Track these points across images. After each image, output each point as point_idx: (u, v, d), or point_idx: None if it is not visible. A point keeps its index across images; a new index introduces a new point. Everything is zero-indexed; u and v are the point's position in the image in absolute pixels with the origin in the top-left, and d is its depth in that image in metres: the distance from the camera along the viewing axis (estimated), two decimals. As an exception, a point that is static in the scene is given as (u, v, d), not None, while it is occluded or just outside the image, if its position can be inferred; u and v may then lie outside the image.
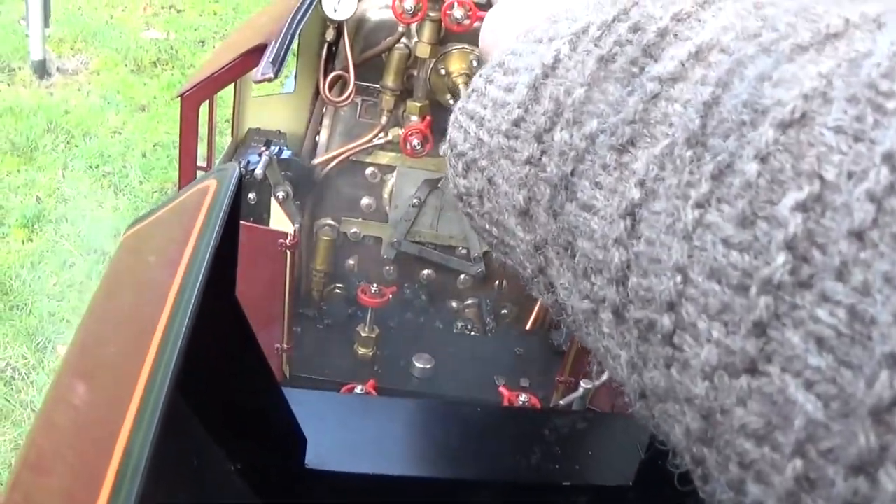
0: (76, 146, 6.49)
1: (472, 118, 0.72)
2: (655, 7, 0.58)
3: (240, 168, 1.25)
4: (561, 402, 2.52)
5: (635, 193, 0.51)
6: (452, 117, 0.77)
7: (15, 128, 6.58)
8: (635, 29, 0.58)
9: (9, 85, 7.32)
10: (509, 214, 0.66)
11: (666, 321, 0.47)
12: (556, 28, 0.66)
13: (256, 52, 2.32)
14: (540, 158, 0.61)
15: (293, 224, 2.46)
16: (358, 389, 2.53)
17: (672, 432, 0.51)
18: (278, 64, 2.18)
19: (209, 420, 1.29)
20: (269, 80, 2.17)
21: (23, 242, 5.37)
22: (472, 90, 0.75)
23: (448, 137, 0.77)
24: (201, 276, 0.97)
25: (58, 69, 7.63)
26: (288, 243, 2.39)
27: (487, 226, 0.73)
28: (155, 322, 0.90)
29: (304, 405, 1.52)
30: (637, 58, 0.56)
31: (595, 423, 1.91)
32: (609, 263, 0.52)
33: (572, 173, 0.57)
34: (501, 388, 2.60)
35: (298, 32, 2.38)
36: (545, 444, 1.72)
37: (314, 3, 2.48)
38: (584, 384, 2.44)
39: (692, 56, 0.52)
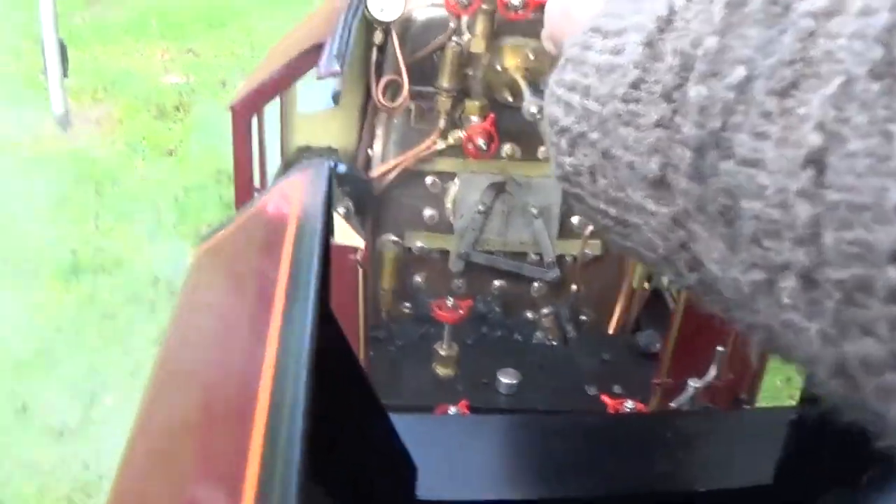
0: (106, 195, 6.41)
1: (572, 89, 0.68)
2: None
3: (331, 168, 1.12)
4: (671, 404, 2.35)
5: (815, 139, 0.46)
6: (547, 92, 0.74)
7: (42, 179, 6.49)
8: None
9: (33, 140, 7.24)
10: (635, 188, 0.61)
11: (892, 274, 0.42)
12: None
13: (310, 54, 2.19)
14: (672, 119, 0.56)
15: (362, 238, 2.31)
16: (451, 411, 2.37)
17: (892, 410, 0.45)
18: (342, 57, 2.05)
19: (314, 453, 1.14)
20: (335, 76, 2.04)
21: (59, 294, 5.26)
22: (567, 60, 0.71)
23: (547, 114, 0.74)
24: (312, 288, 0.85)
25: (81, 119, 7.55)
26: (359, 258, 2.24)
27: (602, 205, 0.68)
28: (262, 343, 0.79)
29: (408, 430, 1.38)
30: None
31: (719, 421, 1.80)
32: (793, 221, 0.47)
33: (723, 128, 0.52)
34: (603, 397, 2.44)
35: (356, 27, 2.24)
36: (669, 448, 1.58)
37: None
38: (692, 383, 2.28)
39: None
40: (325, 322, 1.06)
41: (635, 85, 0.60)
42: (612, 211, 0.66)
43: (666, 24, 0.59)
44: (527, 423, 1.75)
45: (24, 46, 9.13)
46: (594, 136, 0.65)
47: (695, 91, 0.54)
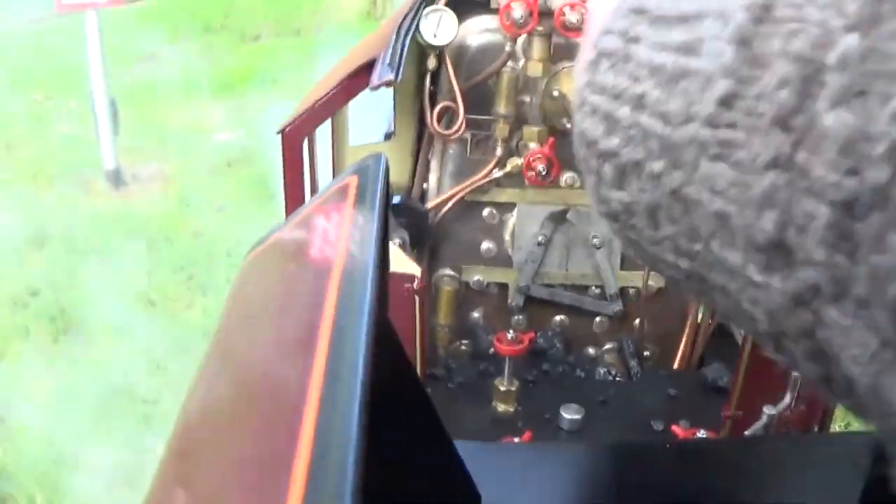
0: (158, 251, 6.41)
1: (615, 97, 0.49)
2: None
3: (386, 160, 1.05)
4: (746, 433, 2.25)
5: None
6: (576, 99, 0.54)
7: (95, 237, 6.52)
8: None
9: (85, 196, 7.28)
10: (726, 246, 0.44)
11: None
12: None
13: (363, 72, 2.13)
14: (792, 156, 0.39)
15: (418, 266, 2.23)
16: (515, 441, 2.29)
17: None
18: (396, 66, 1.98)
19: (371, 476, 1.05)
20: (389, 85, 1.97)
21: (113, 349, 5.24)
22: (599, 55, 0.52)
23: (576, 130, 0.55)
24: (368, 295, 0.77)
25: (132, 177, 7.59)
26: (415, 287, 2.15)
27: (669, 256, 0.49)
28: (311, 356, 0.70)
29: (472, 458, 1.31)
30: None
31: (799, 445, 1.72)
32: None
33: (893, 180, 0.35)
34: (674, 427, 2.33)
35: (409, 39, 2.18)
36: (746, 475, 1.51)
37: (420, 11, 2.29)
38: (767, 410, 2.18)
39: None
40: (384, 337, 1.00)
41: (727, 102, 0.43)
42: (684, 263, 0.49)
43: (764, 11, 0.42)
44: (595, 450, 1.67)
45: (74, 106, 9.22)
46: (657, 166, 0.47)
47: (832, 117, 0.38)
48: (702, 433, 2.29)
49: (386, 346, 1.03)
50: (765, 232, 0.41)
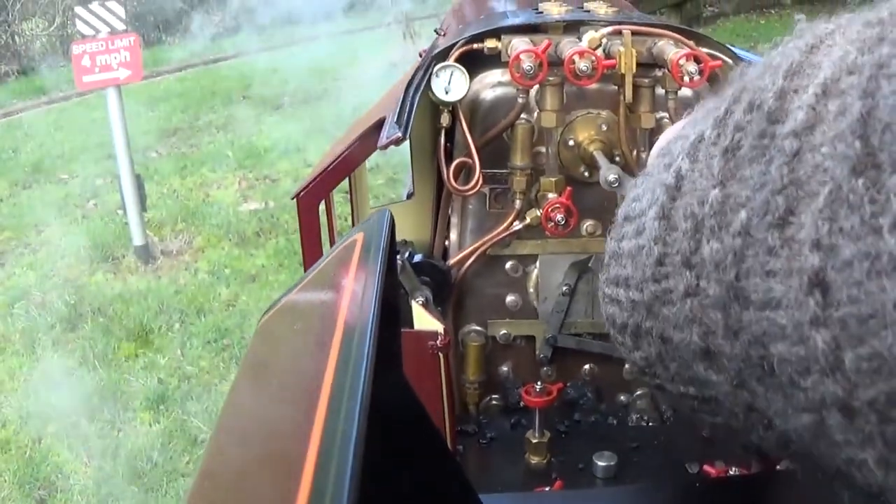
0: (191, 324, 6.46)
1: (617, 284, 0.68)
2: (764, 79, 0.54)
3: (390, 215, 1.05)
4: (777, 467, 2.21)
5: (814, 259, 0.45)
6: (600, 295, 0.74)
7: (127, 313, 6.55)
8: (750, 108, 0.54)
9: (115, 274, 7.33)
10: (696, 363, 0.59)
11: None
12: (669, 153, 0.63)
13: (373, 133, 2.13)
14: (697, 285, 0.55)
15: (441, 323, 2.22)
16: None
17: None
18: (404, 125, 1.98)
19: None
20: (398, 143, 1.97)
21: (150, 425, 5.26)
22: (609, 257, 0.71)
23: (605, 317, 0.73)
24: (365, 355, 0.77)
25: (161, 252, 7.64)
26: (439, 344, 2.14)
27: (682, 388, 0.65)
28: (309, 422, 0.70)
29: None
30: (764, 129, 0.52)
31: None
32: (815, 352, 0.46)
33: (737, 278, 0.51)
34: (706, 467, 2.30)
35: (418, 97, 2.18)
36: None
37: (429, 72, 2.29)
38: (796, 447, 2.14)
39: (820, 95, 0.48)
40: (400, 396, 1.00)
41: (660, 261, 0.59)
42: (692, 391, 0.64)
43: (676, 191, 0.58)
44: (624, 494, 1.65)
45: (100, 184, 9.30)
46: (648, 324, 0.63)
47: (707, 249, 0.53)
48: (734, 471, 2.26)
49: (402, 405, 1.03)
50: (697, 343, 0.56)
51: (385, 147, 2.03)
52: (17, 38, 18.82)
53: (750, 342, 0.51)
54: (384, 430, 0.87)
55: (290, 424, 0.77)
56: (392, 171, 8.75)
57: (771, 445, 0.59)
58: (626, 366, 2.67)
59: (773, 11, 17.15)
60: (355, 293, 0.89)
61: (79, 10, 7.16)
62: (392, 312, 0.98)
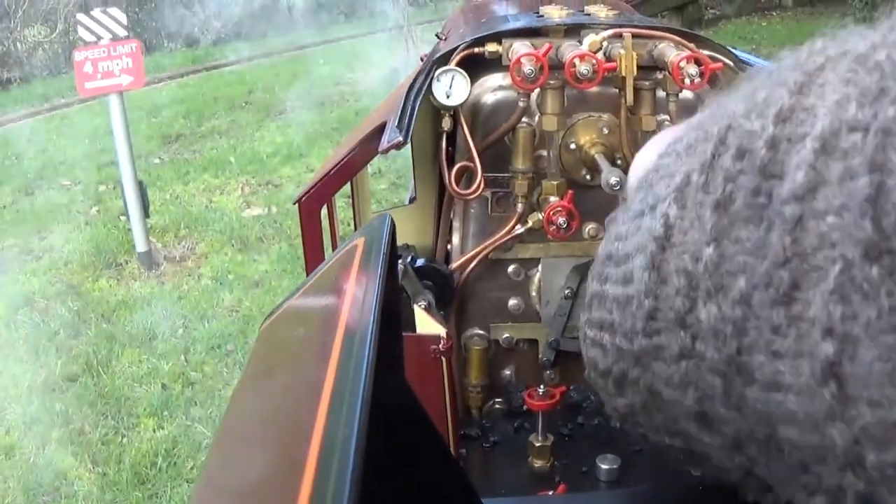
0: (195, 330, 6.45)
1: (601, 328, 0.63)
2: (750, 121, 0.50)
3: (391, 220, 1.05)
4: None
5: (827, 349, 0.42)
6: (581, 335, 0.69)
7: (130, 320, 6.55)
8: (740, 155, 0.50)
9: (118, 280, 7.33)
10: (687, 422, 0.56)
11: None
12: (654, 192, 0.58)
13: (373, 138, 2.13)
14: (693, 347, 0.52)
15: (443, 327, 2.22)
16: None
17: None
18: (405, 129, 1.98)
19: None
20: (398, 147, 1.97)
21: (154, 430, 5.26)
22: (591, 297, 0.66)
23: (585, 359, 0.68)
24: (366, 359, 0.76)
25: (164, 258, 7.64)
26: (441, 348, 2.14)
27: (668, 439, 0.62)
28: (310, 426, 0.70)
29: None
30: (758, 185, 0.48)
31: None
32: (832, 448, 0.43)
33: (738, 352, 0.48)
34: (709, 472, 2.29)
35: (419, 101, 2.18)
36: None
37: (430, 76, 2.29)
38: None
39: (819, 152, 0.45)
40: (401, 401, 1.00)
41: (651, 315, 0.55)
42: (678, 443, 0.61)
43: (665, 241, 0.54)
44: (634, 495, 1.65)
45: (103, 190, 9.31)
46: (634, 373, 0.60)
47: (705, 313, 0.50)
48: None
49: (404, 408, 1.03)
50: (692, 407, 0.53)
51: (386, 151, 2.03)
52: (19, 44, 18.84)
53: (754, 419, 0.49)
54: (385, 434, 0.87)
55: (291, 429, 0.77)
56: (395, 175, 8.75)
57: None
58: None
59: (774, 14, 17.17)
60: (356, 298, 0.89)
61: (80, 16, 7.17)
62: (393, 316, 0.98)
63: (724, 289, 0.48)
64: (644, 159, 0.69)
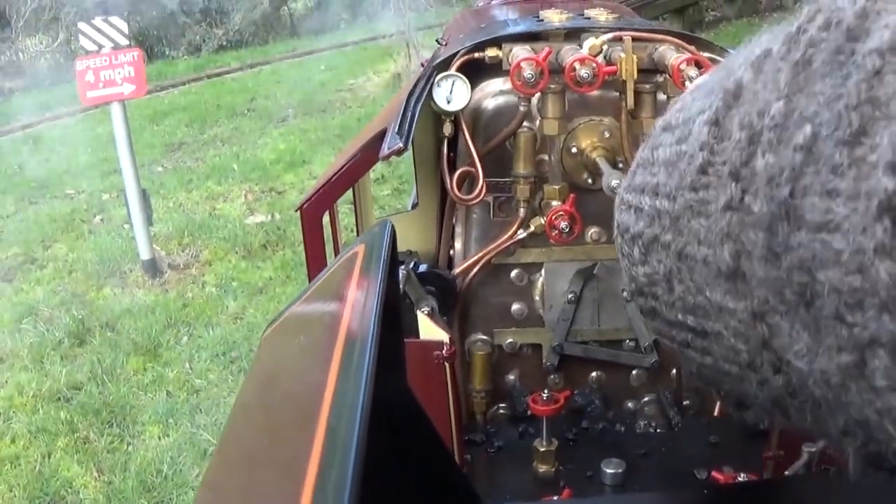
0: (199, 337, 6.45)
1: (642, 191, 0.65)
2: (842, 1, 0.51)
3: (391, 226, 1.06)
4: (787, 472, 2.20)
5: (888, 183, 0.42)
6: (617, 201, 0.71)
7: (135, 328, 6.56)
8: (827, 25, 0.50)
9: (122, 288, 7.33)
10: (713, 286, 0.56)
11: None
12: (729, 66, 0.60)
13: (374, 144, 2.13)
14: (742, 199, 0.52)
15: (446, 332, 2.21)
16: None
17: None
18: (405, 135, 1.98)
19: None
20: (399, 153, 1.97)
21: (159, 438, 5.26)
22: (637, 164, 0.68)
23: (616, 224, 0.70)
24: (367, 360, 0.77)
25: (168, 266, 7.64)
26: (445, 354, 2.14)
27: (680, 315, 0.63)
28: (311, 431, 0.70)
29: None
30: (841, 45, 0.48)
31: (842, 483, 1.68)
32: (875, 285, 0.43)
33: (791, 195, 0.48)
34: (714, 474, 2.29)
35: (419, 107, 2.18)
36: None
37: (430, 83, 2.29)
38: (806, 448, 2.13)
39: None
40: (404, 407, 1.00)
41: (703, 169, 0.57)
42: (691, 320, 0.61)
43: (734, 98, 0.56)
44: (639, 499, 1.64)
45: (106, 199, 9.32)
46: (667, 237, 0.61)
47: (762, 162, 0.51)
48: (742, 477, 2.25)
49: (405, 414, 1.03)
50: (726, 262, 0.53)
51: (386, 158, 2.03)
52: (21, 54, 18.88)
53: (793, 266, 0.49)
54: (387, 439, 0.87)
55: (293, 434, 0.77)
56: (398, 181, 8.76)
57: (766, 397, 0.57)
58: (634, 372, 2.68)
59: (774, 15, 17.16)
60: (356, 303, 0.89)
61: (82, 25, 7.18)
62: (394, 321, 0.99)
63: (788, 139, 0.49)
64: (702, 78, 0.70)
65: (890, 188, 0.41)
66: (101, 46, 7.05)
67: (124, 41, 7.15)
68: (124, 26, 7.21)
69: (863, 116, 0.45)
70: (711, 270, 0.55)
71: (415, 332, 2.27)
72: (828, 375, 0.48)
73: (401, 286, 2.26)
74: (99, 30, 7.04)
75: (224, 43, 21.29)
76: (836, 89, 0.47)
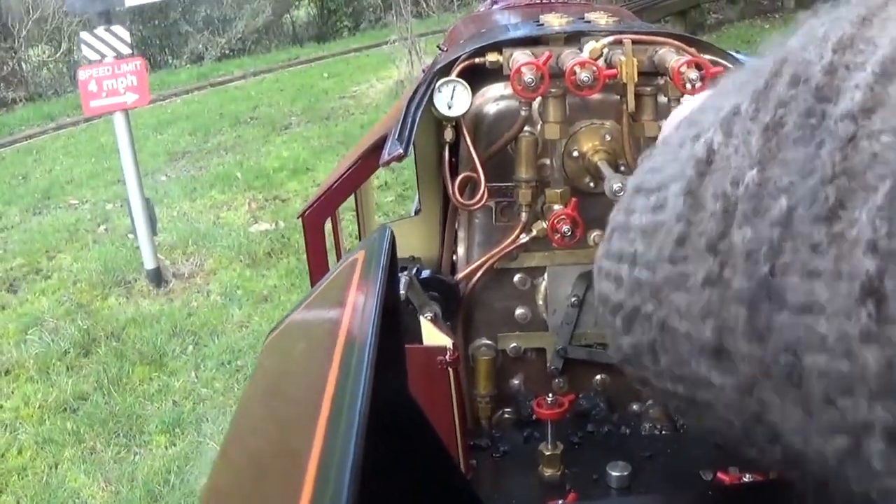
0: (205, 346, 6.45)
1: (619, 259, 0.61)
2: (809, 51, 0.49)
3: (391, 231, 1.06)
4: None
5: (869, 264, 0.40)
6: (595, 269, 0.67)
7: (140, 337, 6.56)
8: (795, 82, 0.49)
9: (127, 298, 7.34)
10: (697, 360, 0.53)
11: None
12: (698, 125, 0.57)
13: (374, 151, 2.13)
14: (720, 274, 0.50)
15: (450, 338, 2.21)
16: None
17: None
18: (405, 141, 1.98)
19: None
20: (399, 160, 1.97)
21: (165, 448, 5.25)
22: (612, 230, 0.65)
23: (597, 294, 0.67)
24: (363, 373, 0.77)
25: (173, 275, 7.64)
26: (448, 359, 2.14)
27: (670, 385, 0.60)
28: (309, 438, 0.70)
29: None
30: (811, 106, 0.47)
31: None
32: (864, 373, 0.41)
33: (771, 273, 0.46)
34: (720, 475, 2.29)
35: (419, 113, 2.18)
36: None
37: (430, 89, 2.29)
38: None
39: (879, 75, 0.44)
40: (405, 414, 1.00)
41: (680, 241, 0.53)
42: (680, 389, 0.59)
43: (706, 166, 0.53)
44: (645, 502, 1.64)
45: (110, 208, 9.34)
46: (648, 308, 0.58)
47: (738, 235, 0.48)
48: (748, 477, 2.24)
49: (406, 419, 1.03)
50: (708, 339, 0.51)
51: (387, 164, 2.03)
52: (23, 64, 18.91)
53: (778, 348, 0.46)
54: (387, 445, 0.87)
55: (292, 442, 0.77)
56: (402, 187, 8.76)
57: (772, 460, 0.55)
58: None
59: (776, 16, 17.16)
60: (356, 309, 0.89)
61: (84, 35, 7.19)
62: (393, 327, 0.99)
63: (764, 210, 0.47)
64: (679, 113, 0.69)
65: (871, 270, 0.40)
66: (103, 56, 7.05)
67: (127, 50, 7.15)
68: (126, 35, 7.23)
69: (839, 189, 0.43)
70: (695, 345, 0.53)
71: (418, 337, 2.27)
72: (823, 454, 0.47)
73: (404, 292, 2.26)
74: (101, 39, 7.05)
75: (226, 51, 21.31)
76: (810, 159, 0.46)
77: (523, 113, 2.45)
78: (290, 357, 1.09)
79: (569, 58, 2.34)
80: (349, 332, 0.84)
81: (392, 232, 1.06)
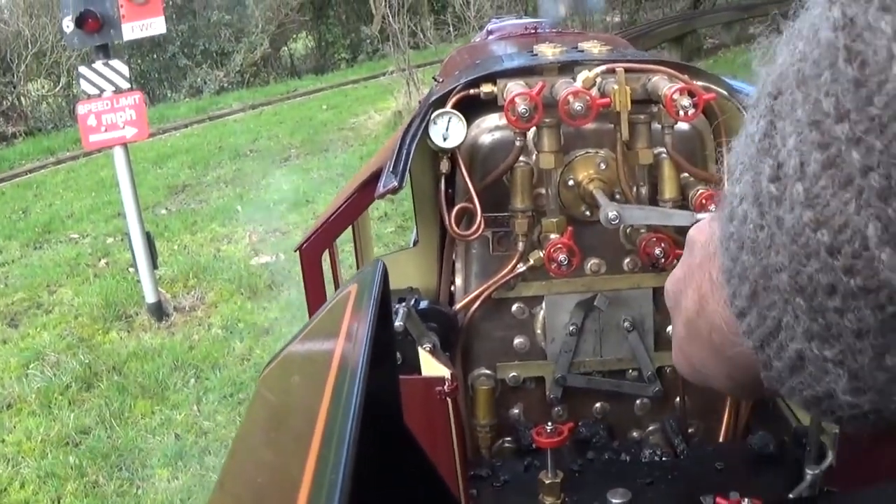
0: (206, 379, 6.45)
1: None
2: None
3: (383, 265, 1.07)
4: (790, 495, 2.20)
5: None
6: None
7: (142, 371, 6.56)
8: None
9: (128, 331, 7.34)
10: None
11: None
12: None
13: (370, 183, 2.15)
14: None
15: (448, 369, 2.22)
16: None
17: None
18: (400, 174, 1.99)
19: None
20: (394, 192, 1.98)
21: (168, 481, 5.25)
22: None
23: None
24: (354, 404, 0.77)
25: (174, 308, 7.65)
26: (447, 389, 2.14)
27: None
28: (298, 476, 0.71)
29: None
30: None
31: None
32: None
33: None
34: (719, 499, 2.29)
35: (414, 145, 2.19)
36: None
37: (425, 121, 2.30)
38: (809, 470, 2.14)
39: None
40: (401, 446, 1.00)
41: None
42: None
43: None
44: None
45: (111, 242, 9.35)
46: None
47: None
48: (747, 501, 2.25)
49: (401, 452, 1.03)
50: None
51: (382, 197, 2.04)
52: (23, 98, 18.97)
53: None
54: (380, 477, 0.87)
55: (285, 473, 0.78)
56: (402, 218, 8.78)
57: None
58: (638, 402, 2.68)
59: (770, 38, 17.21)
60: (348, 343, 0.90)
61: (83, 69, 7.22)
62: (386, 360, 1.00)
63: None
64: None
65: None
66: (102, 90, 7.08)
67: (126, 84, 7.18)
68: (125, 69, 7.26)
69: None
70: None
71: (417, 368, 2.27)
72: None
73: (402, 323, 2.26)
74: (100, 73, 7.08)
75: (225, 84, 21.40)
76: None
77: (518, 143, 2.45)
78: (284, 389, 1.10)
79: (562, 87, 2.35)
80: (341, 365, 0.85)
81: (385, 265, 1.07)
